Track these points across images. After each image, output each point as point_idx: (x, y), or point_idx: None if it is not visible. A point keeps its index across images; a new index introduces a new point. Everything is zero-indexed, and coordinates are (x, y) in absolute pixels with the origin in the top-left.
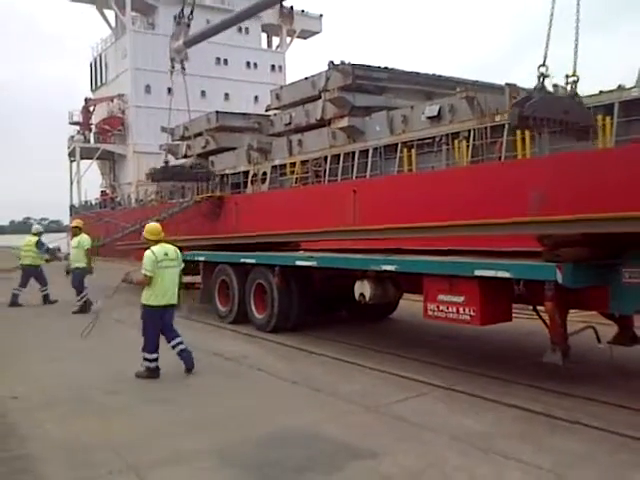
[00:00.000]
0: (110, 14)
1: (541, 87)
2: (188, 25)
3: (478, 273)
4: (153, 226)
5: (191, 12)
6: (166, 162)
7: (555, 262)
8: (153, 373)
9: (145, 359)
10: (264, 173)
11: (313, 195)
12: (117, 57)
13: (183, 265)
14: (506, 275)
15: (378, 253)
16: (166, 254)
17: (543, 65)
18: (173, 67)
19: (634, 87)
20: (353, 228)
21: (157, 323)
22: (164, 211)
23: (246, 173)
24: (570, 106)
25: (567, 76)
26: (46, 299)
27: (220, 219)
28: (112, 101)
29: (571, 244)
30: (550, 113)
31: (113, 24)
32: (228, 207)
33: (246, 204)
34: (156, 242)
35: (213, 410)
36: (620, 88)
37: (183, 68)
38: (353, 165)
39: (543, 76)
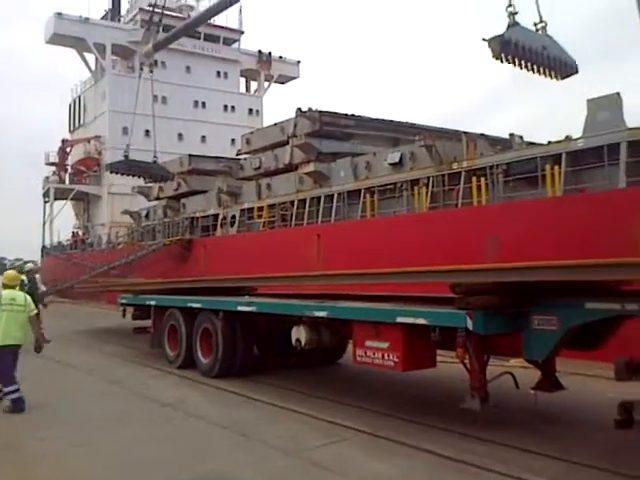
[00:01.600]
0: (90, 57)
1: (514, 23)
2: (157, 31)
3: (400, 320)
4: (10, 273)
5: (160, 19)
6: (126, 155)
7: (466, 310)
8: (18, 404)
9: (6, 394)
10: (233, 216)
11: (279, 239)
12: (96, 99)
13: (35, 312)
14: (424, 322)
15: (321, 299)
16: (13, 299)
17: (510, 5)
18: (142, 70)
19: (580, 138)
20: (299, 274)
21: (7, 359)
22: (133, 253)
23: (216, 216)
24: (548, 42)
25: (535, 24)
26: None
27: (189, 262)
28: (89, 142)
29: (482, 292)
30: (529, 43)
31: (93, 67)
32: (197, 250)
33: (214, 247)
34: (12, 287)
35: (137, 456)
36: (567, 139)
37: (151, 72)
38: (319, 210)
39: (513, 14)
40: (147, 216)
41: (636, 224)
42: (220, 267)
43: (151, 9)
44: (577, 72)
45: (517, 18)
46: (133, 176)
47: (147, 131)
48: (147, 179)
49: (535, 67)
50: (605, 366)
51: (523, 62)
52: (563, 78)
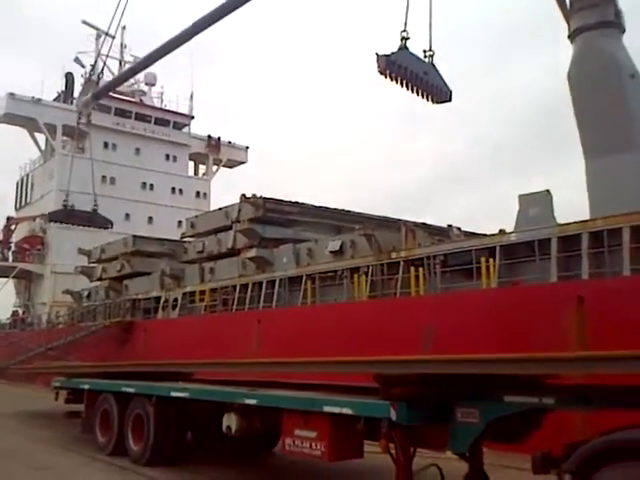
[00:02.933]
0: (41, 137)
1: (404, 47)
2: (97, 83)
3: (326, 409)
4: None
5: (101, 71)
6: (65, 205)
7: (389, 400)
8: None
9: None
10: (175, 299)
11: (219, 323)
12: (44, 178)
13: None
14: (349, 412)
15: (253, 386)
16: None
17: (404, 31)
18: (80, 119)
19: (512, 232)
20: (234, 361)
21: None
22: (72, 334)
23: (158, 299)
24: (430, 70)
25: (425, 51)
26: None
27: (129, 345)
28: (34, 220)
29: (406, 383)
30: (412, 66)
31: (43, 147)
32: (137, 333)
33: (155, 330)
34: None
35: None
36: (501, 232)
37: (89, 122)
38: (260, 295)
39: (405, 39)
40: (89, 296)
41: (565, 319)
42: (160, 350)
43: (92, 74)
44: (450, 101)
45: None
46: (73, 224)
47: (94, 210)
48: (87, 226)
49: (415, 89)
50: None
51: (404, 82)
52: (438, 103)
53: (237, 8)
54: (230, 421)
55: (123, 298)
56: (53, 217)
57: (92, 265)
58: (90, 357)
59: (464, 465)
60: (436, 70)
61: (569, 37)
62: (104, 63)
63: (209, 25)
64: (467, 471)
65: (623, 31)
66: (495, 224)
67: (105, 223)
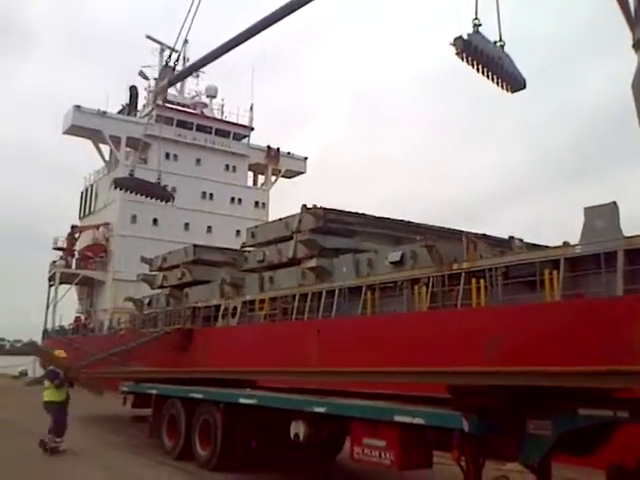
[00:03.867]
0: (105, 148)
1: (477, 32)
2: (173, 69)
3: (397, 419)
4: None
5: (177, 59)
6: (131, 174)
7: (461, 411)
8: None
9: None
10: (235, 308)
11: (279, 332)
12: (108, 188)
13: None
14: (420, 422)
15: (320, 394)
16: None
17: (476, 18)
18: (155, 103)
19: (578, 245)
20: (299, 370)
21: None
22: (134, 340)
23: (218, 307)
24: (502, 56)
25: (495, 42)
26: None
27: (189, 352)
28: (98, 229)
29: (478, 394)
30: (488, 50)
31: (107, 157)
32: (197, 340)
33: (215, 338)
34: None
35: None
36: (565, 245)
37: (163, 104)
38: (320, 305)
39: (477, 25)
40: (150, 304)
41: (632, 332)
42: (220, 358)
43: (168, 61)
44: (525, 88)
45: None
46: (137, 193)
47: (155, 220)
48: (150, 197)
49: (490, 74)
50: (599, 472)
51: (480, 66)
52: (513, 92)
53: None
54: (298, 428)
55: (183, 306)
56: (119, 183)
57: (153, 273)
58: (151, 363)
59: (532, 477)
60: (510, 58)
61: (634, 46)
62: (179, 53)
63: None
64: None
65: None
66: (554, 235)
67: (168, 196)
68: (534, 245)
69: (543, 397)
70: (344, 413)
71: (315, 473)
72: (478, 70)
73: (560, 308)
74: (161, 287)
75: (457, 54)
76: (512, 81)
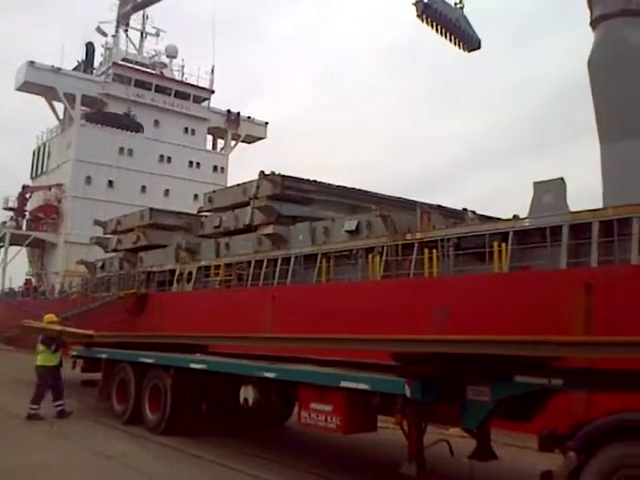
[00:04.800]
0: (59, 106)
1: None
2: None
3: (343, 384)
4: None
5: None
6: (100, 108)
7: (405, 377)
8: None
9: None
10: (190, 273)
11: (234, 298)
12: (61, 147)
13: None
14: (365, 387)
15: (271, 360)
16: None
17: None
18: (117, 31)
19: (526, 218)
20: (251, 335)
21: None
22: (86, 304)
23: (173, 272)
24: (460, 17)
25: (455, 3)
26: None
27: (143, 316)
28: (50, 190)
29: (421, 361)
30: (446, 12)
31: (61, 116)
32: (151, 305)
33: (169, 303)
34: None
35: None
36: (515, 218)
37: (126, 31)
38: (275, 271)
39: None
40: (103, 267)
41: (572, 304)
42: (174, 323)
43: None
44: (480, 48)
45: None
46: (106, 125)
47: (110, 182)
48: (120, 128)
49: (448, 34)
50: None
51: (439, 27)
52: (469, 51)
53: None
54: (247, 393)
55: (138, 270)
56: (89, 118)
57: (107, 236)
58: (103, 328)
59: (472, 442)
60: (467, 19)
61: (591, 24)
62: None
63: None
64: (475, 447)
65: None
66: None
67: (137, 126)
68: (486, 217)
69: (482, 365)
70: (293, 378)
71: (263, 437)
72: (437, 30)
73: (507, 279)
74: (115, 250)
75: (418, 16)
76: (468, 41)
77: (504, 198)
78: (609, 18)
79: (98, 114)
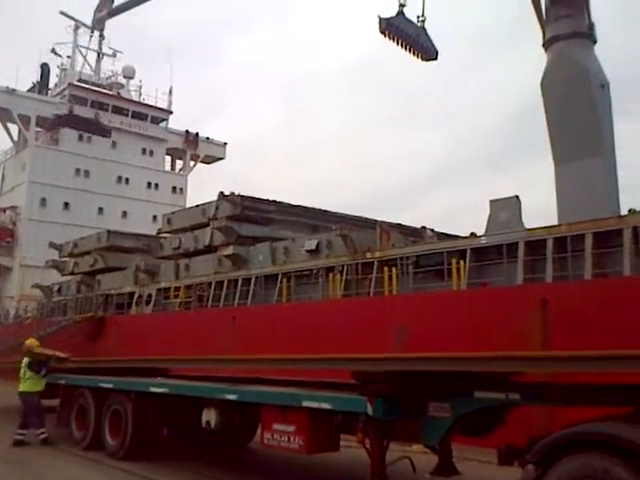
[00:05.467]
0: (14, 128)
1: (400, 12)
2: (112, 0)
3: (305, 404)
4: None
5: None
6: (70, 110)
7: (366, 396)
8: None
9: None
10: (149, 295)
11: (194, 320)
12: (15, 169)
13: None
14: (327, 407)
15: (232, 382)
16: None
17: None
18: (93, 32)
19: (482, 236)
20: (212, 357)
21: None
22: (42, 328)
23: (131, 294)
24: (420, 32)
25: (418, 17)
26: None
27: (101, 340)
28: (4, 212)
29: (382, 380)
30: (407, 28)
31: (16, 137)
32: (110, 328)
33: (128, 326)
34: None
35: None
36: (472, 235)
37: (101, 36)
38: (236, 292)
39: (402, 5)
40: (59, 291)
41: (528, 320)
42: (133, 346)
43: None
44: (436, 59)
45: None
46: (76, 128)
47: (66, 204)
48: (89, 132)
49: (408, 47)
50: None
51: (400, 41)
52: (426, 60)
53: None
54: (210, 416)
55: (95, 293)
56: (58, 121)
57: (64, 259)
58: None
59: (434, 458)
60: (426, 33)
61: (544, 45)
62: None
63: None
64: (437, 463)
65: (595, 42)
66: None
67: (105, 131)
68: (444, 235)
69: (442, 381)
70: (254, 400)
71: (226, 460)
72: (398, 43)
73: (465, 296)
74: (72, 274)
75: (381, 32)
76: (426, 52)
77: (461, 215)
78: (561, 40)
79: (66, 118)
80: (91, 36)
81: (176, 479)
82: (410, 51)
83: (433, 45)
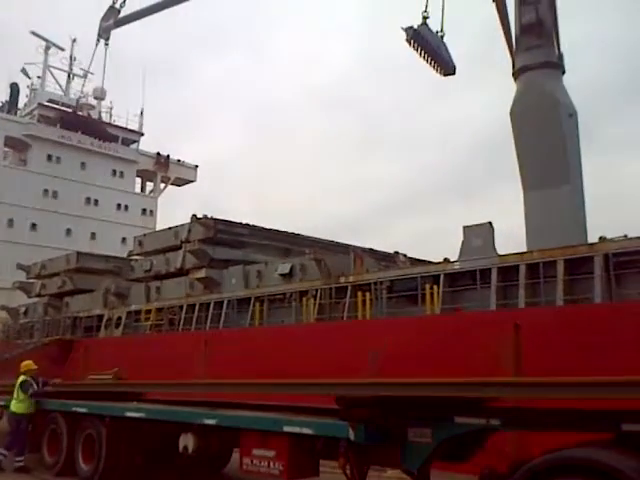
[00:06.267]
0: None
1: (424, 24)
2: (119, 11)
3: (287, 429)
4: None
5: (123, 2)
6: (74, 109)
7: (348, 421)
8: None
9: None
10: (119, 318)
11: (165, 343)
12: None
13: None
14: (309, 432)
15: (209, 406)
16: None
17: (425, 11)
18: (99, 41)
19: (456, 262)
20: (187, 382)
21: None
22: (8, 352)
23: (101, 317)
24: (441, 45)
25: (437, 32)
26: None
27: (68, 364)
28: None
29: (364, 405)
30: (431, 39)
31: None
32: (78, 351)
33: (97, 349)
34: None
35: None
36: (445, 261)
37: (107, 44)
38: (207, 315)
39: (425, 18)
40: (26, 313)
41: (501, 345)
42: (101, 370)
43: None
44: (455, 74)
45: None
46: (80, 131)
47: (33, 224)
48: (94, 137)
49: (430, 59)
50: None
51: (423, 52)
52: (445, 75)
53: None
54: (187, 441)
55: (63, 315)
56: (65, 120)
57: (31, 281)
58: None
59: None
60: (446, 47)
61: (513, 75)
62: None
63: None
64: None
65: (563, 72)
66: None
67: (112, 137)
68: (417, 260)
69: (423, 407)
70: (235, 425)
71: None
72: (420, 54)
73: (438, 321)
74: (39, 296)
75: (407, 40)
76: (446, 66)
77: (428, 241)
78: (530, 69)
79: (74, 116)
80: (97, 44)
81: None
82: (430, 63)
83: (452, 60)
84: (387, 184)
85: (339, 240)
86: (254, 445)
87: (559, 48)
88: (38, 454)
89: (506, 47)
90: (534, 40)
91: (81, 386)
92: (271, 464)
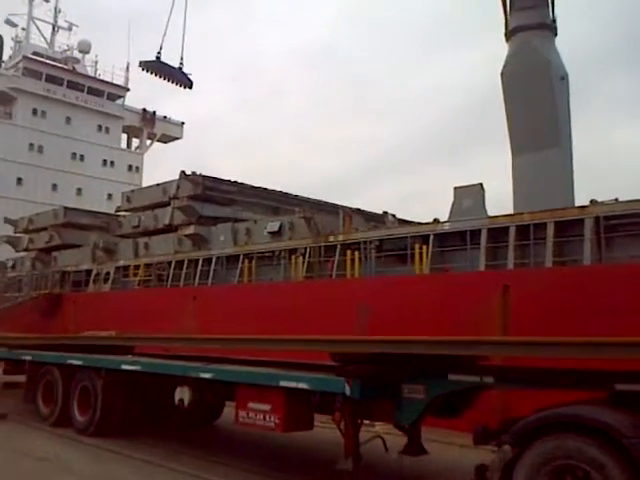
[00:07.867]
0: None
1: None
2: None
3: (283, 384)
4: None
5: None
6: (158, 57)
7: (344, 377)
8: None
9: None
10: (107, 273)
11: (153, 298)
12: None
13: None
14: (305, 387)
15: (201, 361)
16: None
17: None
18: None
19: (446, 222)
20: (180, 336)
21: None
22: None
23: (89, 272)
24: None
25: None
26: None
27: (57, 318)
28: None
29: (360, 361)
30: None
31: None
32: (67, 305)
33: (85, 303)
34: None
35: None
36: (435, 221)
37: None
38: (196, 272)
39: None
40: (14, 267)
41: (490, 305)
42: (90, 324)
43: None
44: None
45: None
46: (160, 77)
47: (19, 179)
48: (172, 82)
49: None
50: (458, 434)
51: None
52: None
53: None
54: (183, 394)
55: (52, 270)
56: (145, 65)
57: (18, 235)
58: (15, 329)
59: (404, 439)
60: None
61: (506, 35)
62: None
63: None
64: (406, 443)
65: (556, 34)
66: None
67: (189, 83)
68: (404, 221)
69: (418, 364)
70: (232, 379)
71: (194, 437)
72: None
73: (427, 280)
74: (26, 250)
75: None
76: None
77: (412, 202)
78: (524, 30)
79: (155, 63)
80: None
81: (147, 454)
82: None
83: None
84: (368, 146)
85: (324, 199)
86: (250, 399)
87: (553, 11)
88: (33, 405)
89: (500, 6)
90: (529, 0)
91: (74, 339)
92: (267, 417)
